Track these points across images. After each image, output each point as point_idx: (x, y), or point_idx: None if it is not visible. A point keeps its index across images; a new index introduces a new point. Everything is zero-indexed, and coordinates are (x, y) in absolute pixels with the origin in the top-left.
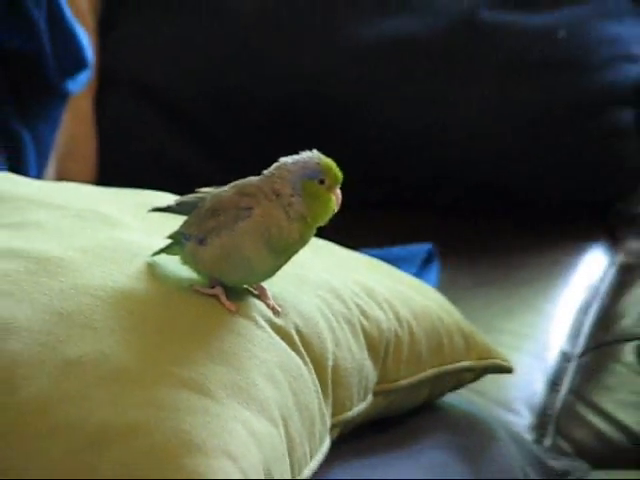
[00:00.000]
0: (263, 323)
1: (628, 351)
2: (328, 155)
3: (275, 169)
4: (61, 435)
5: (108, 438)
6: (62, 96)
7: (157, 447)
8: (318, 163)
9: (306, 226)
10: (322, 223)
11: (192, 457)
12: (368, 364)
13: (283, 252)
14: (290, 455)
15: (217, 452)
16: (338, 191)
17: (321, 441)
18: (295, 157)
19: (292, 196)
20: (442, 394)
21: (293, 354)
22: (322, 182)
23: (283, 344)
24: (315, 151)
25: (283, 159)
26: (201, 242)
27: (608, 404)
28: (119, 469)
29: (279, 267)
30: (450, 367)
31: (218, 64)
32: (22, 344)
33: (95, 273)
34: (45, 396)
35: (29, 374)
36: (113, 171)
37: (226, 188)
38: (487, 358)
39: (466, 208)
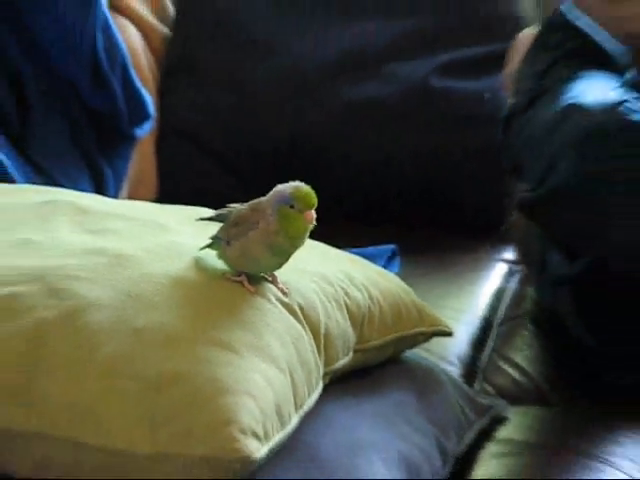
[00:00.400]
0: (274, 301)
1: (529, 322)
2: (319, 184)
3: (268, 194)
4: (129, 381)
5: (162, 384)
6: (132, 139)
7: (197, 390)
8: (290, 192)
9: (285, 238)
10: (299, 235)
11: (223, 397)
12: (349, 330)
13: (282, 253)
14: (294, 395)
15: (241, 393)
16: (311, 212)
17: (316, 385)
18: (279, 186)
19: (270, 216)
20: (402, 351)
21: (296, 323)
22: (292, 207)
23: (289, 316)
24: (297, 182)
25: (277, 186)
26: (228, 244)
27: (518, 359)
28: (170, 406)
29: (283, 263)
30: (408, 332)
31: (246, 121)
32: (103, 316)
33: (156, 266)
34: (118, 354)
35: (107, 338)
36: (169, 195)
37: (245, 205)
38: (434, 325)
39: (416, 220)
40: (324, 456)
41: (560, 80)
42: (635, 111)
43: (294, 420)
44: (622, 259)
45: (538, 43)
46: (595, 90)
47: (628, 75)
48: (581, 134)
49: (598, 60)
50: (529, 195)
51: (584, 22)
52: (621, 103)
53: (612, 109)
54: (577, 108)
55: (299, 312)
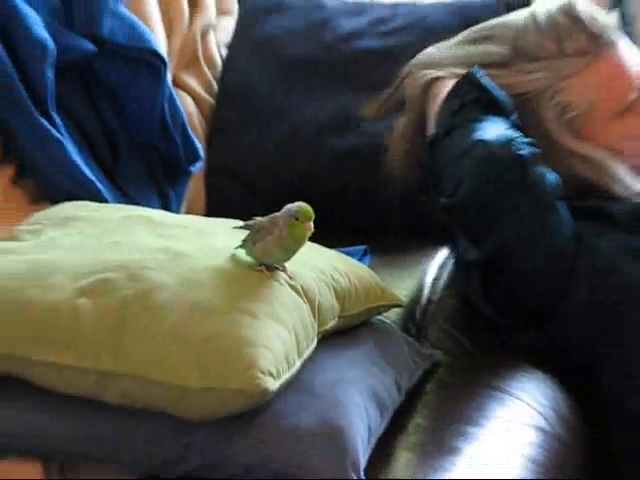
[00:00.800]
0: (284, 283)
1: (455, 297)
2: (318, 205)
3: (281, 211)
4: (185, 339)
5: (208, 340)
6: (188, 174)
7: (231, 344)
8: (296, 210)
9: (292, 241)
10: (302, 239)
11: (248, 348)
12: (335, 303)
13: (290, 251)
14: (297, 347)
15: (261, 346)
16: (310, 223)
17: (312, 340)
18: (288, 205)
19: (283, 225)
20: (371, 317)
21: (298, 298)
22: (297, 219)
23: (293, 293)
24: (300, 202)
25: (287, 205)
26: (253, 244)
27: (447, 326)
28: (213, 355)
29: (290, 258)
30: (374, 304)
31: (269, 163)
32: (168, 294)
33: (203, 260)
34: (178, 320)
35: (170, 310)
36: (213, 211)
37: (265, 218)
38: (392, 300)
39: (384, 230)
40: (317, 389)
41: (467, 120)
42: (523, 147)
43: (297, 364)
44: (501, 254)
45: (454, 91)
46: (493, 129)
47: (512, 118)
48: (482, 162)
49: (493, 107)
50: (446, 201)
51: (485, 80)
52: (513, 140)
53: (506, 144)
54: (481, 142)
55: (301, 291)
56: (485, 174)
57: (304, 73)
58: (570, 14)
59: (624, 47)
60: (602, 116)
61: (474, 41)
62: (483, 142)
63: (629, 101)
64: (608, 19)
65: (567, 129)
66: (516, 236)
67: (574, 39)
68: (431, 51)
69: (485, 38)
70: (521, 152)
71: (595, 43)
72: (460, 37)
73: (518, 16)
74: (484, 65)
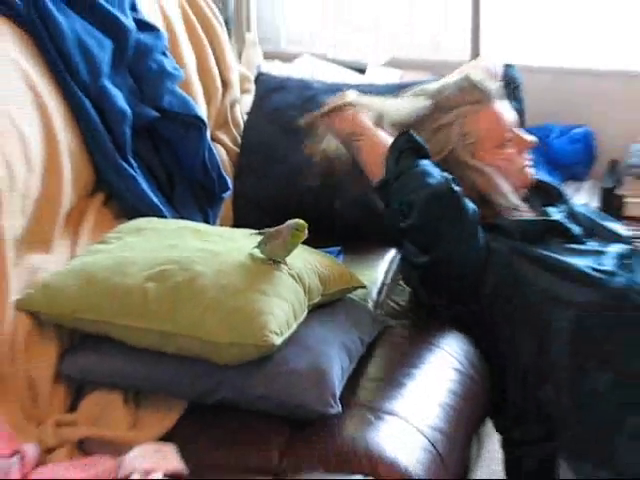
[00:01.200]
0: (284, 272)
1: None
2: (312, 220)
3: (285, 224)
4: (218, 309)
5: (233, 310)
6: (221, 200)
7: (248, 313)
8: (295, 223)
9: (292, 244)
10: (298, 243)
11: (260, 316)
12: (319, 286)
13: (290, 251)
14: (294, 315)
15: (268, 313)
16: (304, 232)
17: (304, 311)
18: (290, 221)
19: (287, 234)
20: (343, 295)
21: (294, 282)
22: (297, 230)
23: (291, 279)
24: (299, 220)
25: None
26: (265, 246)
27: (399, 300)
28: (237, 321)
29: (289, 254)
30: (346, 286)
31: (282, 191)
32: (207, 280)
33: (231, 257)
34: (213, 297)
35: (207, 291)
36: (238, 225)
37: (273, 229)
38: (357, 283)
39: (350, 237)
40: (309, 344)
41: (409, 167)
42: (455, 185)
43: (294, 327)
44: (443, 260)
45: (394, 145)
46: (431, 172)
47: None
48: (430, 198)
49: (419, 151)
50: (404, 225)
51: (413, 134)
52: (448, 180)
53: (445, 184)
54: (427, 185)
55: (296, 277)
56: (432, 207)
57: (299, 132)
58: (470, 80)
59: (502, 104)
60: (489, 145)
61: (409, 95)
62: (429, 185)
63: (506, 137)
64: (494, 85)
65: (467, 151)
66: (455, 248)
67: (471, 95)
68: (372, 98)
69: (416, 94)
70: (455, 189)
71: (485, 98)
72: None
73: (439, 83)
74: (411, 115)
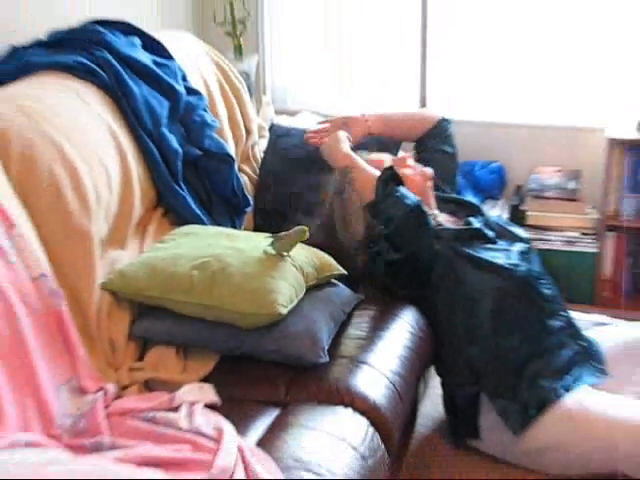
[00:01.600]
0: (289, 263)
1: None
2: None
3: (292, 230)
4: (242, 289)
5: (252, 291)
6: (245, 213)
7: (264, 292)
8: (301, 228)
9: (295, 244)
10: (298, 243)
11: (271, 293)
12: (314, 272)
13: (293, 248)
14: (296, 294)
15: (277, 292)
16: (305, 234)
17: (302, 291)
18: (296, 227)
19: (294, 236)
20: (328, 281)
21: (296, 270)
22: (303, 234)
23: (294, 268)
24: (303, 226)
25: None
26: (275, 244)
27: (367, 283)
28: (256, 297)
29: (292, 249)
30: (331, 273)
31: (288, 206)
32: (234, 268)
33: (252, 252)
34: (238, 282)
35: (235, 276)
36: (258, 229)
37: (282, 233)
38: (339, 271)
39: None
40: (306, 313)
41: (391, 192)
42: (423, 206)
43: (295, 302)
44: (411, 257)
45: (381, 177)
46: (409, 195)
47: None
48: (405, 212)
49: (395, 179)
50: (386, 231)
51: (393, 170)
52: (419, 202)
53: (417, 206)
54: (405, 205)
55: (297, 266)
56: (407, 220)
57: (300, 164)
58: None
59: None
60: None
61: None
62: (407, 205)
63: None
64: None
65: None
66: (418, 249)
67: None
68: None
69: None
70: (424, 209)
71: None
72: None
73: None
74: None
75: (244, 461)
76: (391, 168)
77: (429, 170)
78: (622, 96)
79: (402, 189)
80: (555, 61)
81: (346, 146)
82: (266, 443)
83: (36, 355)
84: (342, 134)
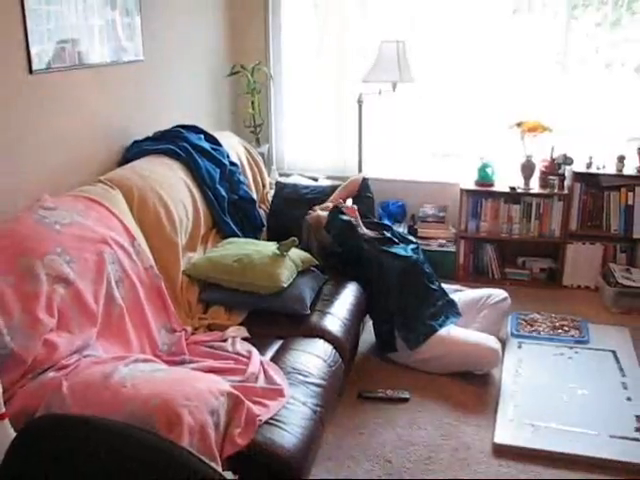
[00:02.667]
0: (288, 258)
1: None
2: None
3: (287, 240)
4: (261, 272)
5: (261, 275)
6: (261, 231)
7: (270, 274)
8: (292, 239)
9: (290, 247)
10: (292, 247)
11: (277, 275)
12: (300, 263)
13: (290, 250)
14: (291, 275)
15: (282, 275)
16: (295, 243)
17: (294, 274)
18: (291, 237)
19: (290, 243)
20: (309, 268)
21: (291, 262)
22: (293, 241)
23: (290, 261)
24: (295, 238)
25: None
26: (280, 248)
27: (327, 268)
28: (266, 277)
29: (289, 250)
30: (309, 264)
31: (287, 227)
32: (256, 261)
33: (267, 252)
34: (259, 268)
35: (257, 265)
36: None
37: (282, 242)
38: (315, 262)
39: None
40: (297, 285)
41: (335, 216)
42: (356, 222)
43: (291, 280)
44: (349, 251)
45: (331, 212)
46: (345, 217)
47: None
48: (342, 225)
49: (338, 210)
50: (331, 235)
51: (340, 207)
52: (353, 219)
53: (349, 221)
54: (342, 221)
55: (292, 260)
56: (343, 230)
57: (293, 204)
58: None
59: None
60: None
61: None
62: (343, 221)
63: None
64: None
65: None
66: (352, 245)
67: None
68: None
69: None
70: (354, 224)
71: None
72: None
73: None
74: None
75: (264, 369)
76: (336, 207)
77: (355, 206)
78: (468, 167)
79: (341, 215)
80: (435, 143)
81: (324, 214)
82: (276, 359)
83: (147, 311)
84: (323, 214)
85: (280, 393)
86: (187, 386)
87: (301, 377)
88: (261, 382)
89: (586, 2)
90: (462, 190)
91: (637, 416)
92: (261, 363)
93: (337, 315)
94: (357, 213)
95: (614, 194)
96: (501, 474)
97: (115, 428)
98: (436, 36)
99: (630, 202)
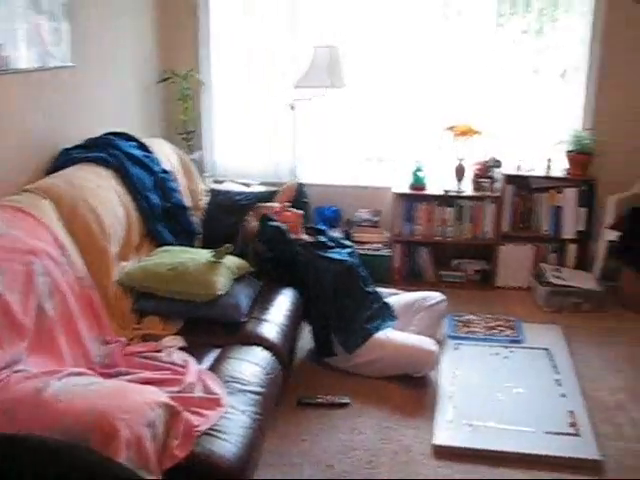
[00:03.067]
0: (223, 265)
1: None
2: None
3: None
4: (194, 280)
5: (202, 281)
6: (196, 238)
7: (208, 281)
8: (227, 246)
9: (225, 254)
10: (226, 254)
11: (214, 283)
12: (236, 270)
13: (224, 257)
14: (226, 282)
15: (216, 282)
16: (230, 249)
17: (231, 281)
18: (226, 244)
19: (224, 250)
20: (244, 275)
21: (227, 269)
22: (227, 248)
23: (226, 268)
24: (229, 245)
25: None
26: (215, 255)
27: (262, 273)
28: (199, 282)
29: (224, 257)
30: (244, 271)
31: (223, 231)
32: (191, 269)
33: (202, 259)
34: (194, 275)
35: (192, 272)
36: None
37: (217, 249)
38: (250, 269)
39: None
40: (233, 293)
41: (264, 223)
42: (285, 228)
43: (227, 287)
44: (281, 256)
45: (261, 219)
46: (274, 224)
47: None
48: (273, 231)
49: (272, 219)
50: (262, 240)
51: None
52: (282, 226)
53: (279, 227)
54: (272, 227)
55: (227, 267)
56: (275, 235)
57: (226, 210)
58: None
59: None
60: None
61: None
62: (273, 227)
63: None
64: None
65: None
66: (284, 250)
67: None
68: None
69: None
70: (284, 229)
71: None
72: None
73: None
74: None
75: (201, 379)
76: (265, 215)
77: (300, 212)
78: (402, 171)
79: (270, 222)
80: (369, 148)
81: (256, 224)
82: (213, 368)
83: (80, 322)
84: (255, 224)
85: (218, 402)
86: (123, 399)
87: (239, 385)
88: (199, 392)
89: (512, 10)
90: (395, 194)
91: (570, 411)
92: (198, 373)
93: (274, 321)
94: (302, 219)
95: (544, 196)
96: (440, 475)
97: (44, 446)
98: (369, 41)
99: (559, 203)
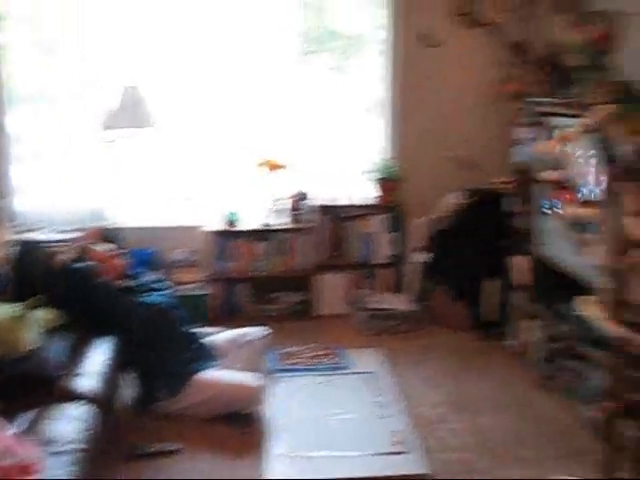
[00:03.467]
0: (33, 318)
1: None
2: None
3: None
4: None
5: (8, 340)
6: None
7: (7, 337)
8: (38, 299)
9: (33, 307)
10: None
11: (16, 332)
12: (45, 324)
13: (32, 309)
14: (36, 338)
15: (25, 333)
16: (39, 303)
17: (40, 335)
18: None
19: (31, 303)
20: (55, 328)
21: (36, 324)
22: (38, 301)
23: (35, 323)
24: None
25: None
26: (22, 310)
27: None
28: (8, 343)
29: (32, 310)
30: (54, 324)
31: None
32: None
33: (6, 315)
34: None
35: None
36: None
37: (26, 302)
38: (59, 322)
39: None
40: (41, 348)
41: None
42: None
43: (37, 343)
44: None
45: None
46: (81, 265)
47: None
48: (76, 271)
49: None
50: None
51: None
52: (91, 267)
53: (90, 268)
54: (75, 267)
55: (36, 320)
56: (80, 280)
57: (34, 259)
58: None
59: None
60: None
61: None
62: (79, 269)
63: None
64: None
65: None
66: (91, 295)
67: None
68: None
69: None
70: (88, 273)
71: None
72: None
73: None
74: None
75: (14, 445)
76: (79, 256)
77: (125, 261)
78: (216, 209)
79: (80, 264)
80: (183, 187)
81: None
82: (29, 431)
83: None
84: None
85: (35, 468)
86: None
87: (59, 446)
88: (11, 459)
89: (314, 48)
90: (207, 233)
91: (394, 431)
92: (10, 438)
93: (92, 373)
94: (124, 268)
95: (354, 224)
96: None
97: None
98: (178, 79)
99: (369, 230)
